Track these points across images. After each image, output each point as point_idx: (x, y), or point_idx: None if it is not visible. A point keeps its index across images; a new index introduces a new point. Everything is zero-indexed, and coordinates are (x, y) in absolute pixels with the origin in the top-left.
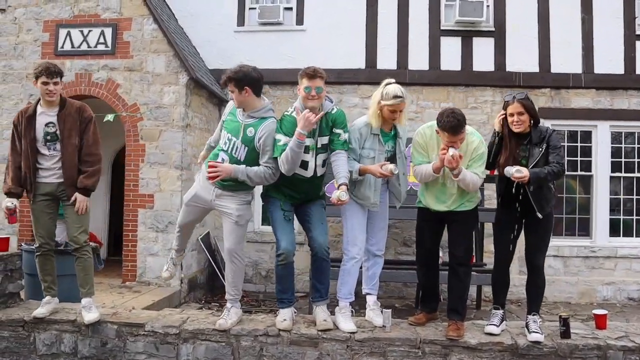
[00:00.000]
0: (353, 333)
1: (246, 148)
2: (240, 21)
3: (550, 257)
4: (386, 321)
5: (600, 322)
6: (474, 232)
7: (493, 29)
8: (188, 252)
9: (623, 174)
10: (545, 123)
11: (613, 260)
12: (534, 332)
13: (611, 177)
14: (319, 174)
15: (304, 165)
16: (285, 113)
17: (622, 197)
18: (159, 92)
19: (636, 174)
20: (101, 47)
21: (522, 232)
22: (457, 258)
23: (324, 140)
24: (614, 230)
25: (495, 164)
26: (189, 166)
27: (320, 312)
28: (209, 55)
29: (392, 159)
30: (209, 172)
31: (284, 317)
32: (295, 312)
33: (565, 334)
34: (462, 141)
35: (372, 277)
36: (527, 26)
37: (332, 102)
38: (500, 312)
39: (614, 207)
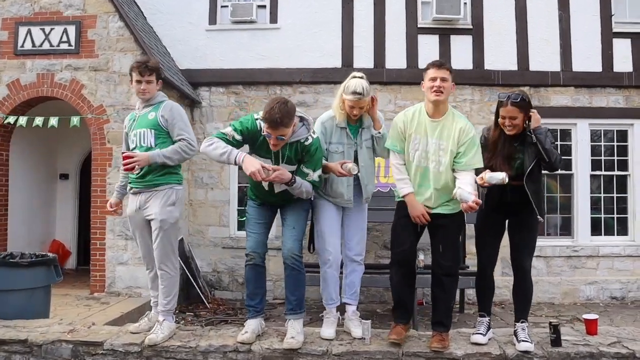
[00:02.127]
0: (330, 340)
1: (153, 131)
2: (212, 19)
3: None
4: (365, 333)
5: (590, 328)
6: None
7: (471, 26)
8: None
9: (603, 172)
10: None
11: (595, 259)
12: (523, 340)
13: (591, 176)
14: (276, 191)
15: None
16: (255, 116)
17: (602, 195)
18: (126, 93)
19: (616, 172)
20: (64, 46)
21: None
22: (444, 268)
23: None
24: (595, 229)
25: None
26: None
27: (290, 327)
28: (180, 54)
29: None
30: (125, 164)
31: (247, 328)
32: (262, 325)
33: (556, 342)
34: (447, 86)
35: (351, 285)
36: (505, 24)
37: (308, 131)
38: (487, 319)
39: (594, 205)
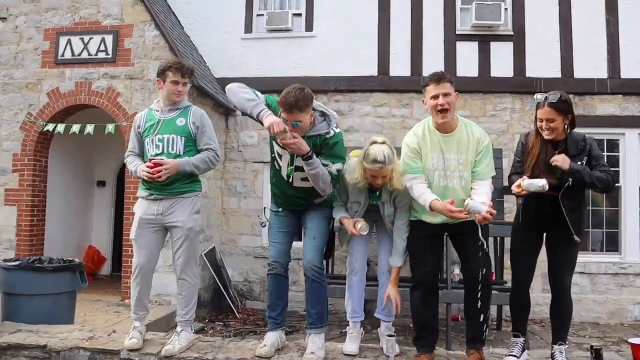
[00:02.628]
0: (352, 356)
1: (183, 139)
2: (248, 28)
3: (576, 274)
4: (389, 350)
5: (637, 353)
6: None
7: (512, 32)
8: None
9: None
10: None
11: None
12: None
13: None
14: (295, 185)
15: (280, 165)
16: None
17: None
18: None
19: None
20: (102, 55)
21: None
22: (474, 271)
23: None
24: None
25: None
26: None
27: (311, 342)
28: (216, 63)
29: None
30: (153, 172)
31: (266, 341)
32: (282, 338)
33: None
34: (451, 101)
35: (382, 299)
36: (547, 29)
37: (329, 126)
38: (521, 340)
39: None
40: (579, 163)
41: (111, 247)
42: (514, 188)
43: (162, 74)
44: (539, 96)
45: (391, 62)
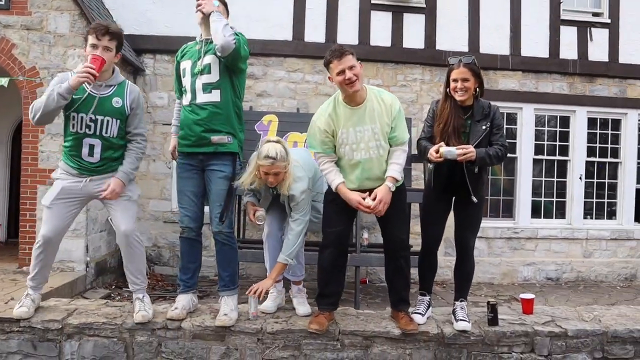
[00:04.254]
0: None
1: (118, 122)
2: None
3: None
4: (252, 308)
5: (527, 307)
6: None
7: (424, 5)
8: (96, 233)
9: (545, 157)
10: None
11: (534, 241)
12: (461, 320)
13: (534, 160)
14: (198, 102)
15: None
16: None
17: (543, 179)
18: (62, 55)
19: (557, 157)
20: None
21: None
22: (399, 242)
23: (206, 60)
24: (535, 212)
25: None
26: None
27: (224, 303)
28: (124, 19)
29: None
30: (93, 68)
31: (177, 304)
32: (194, 301)
33: (493, 321)
34: (357, 72)
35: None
36: (458, 4)
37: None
38: (427, 298)
39: (535, 189)
40: (483, 127)
41: (6, 211)
42: (432, 153)
43: (85, 39)
44: (452, 59)
45: (306, 27)
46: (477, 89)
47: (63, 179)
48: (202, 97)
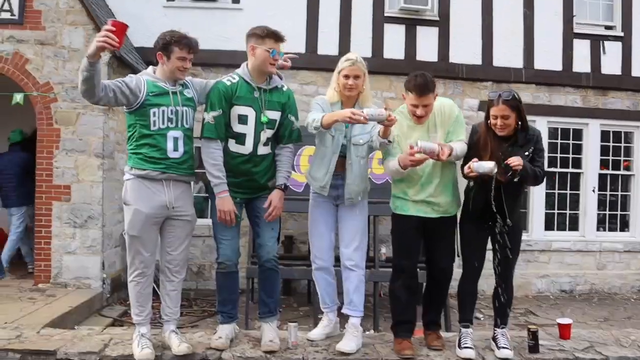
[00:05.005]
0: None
1: (192, 112)
2: None
3: (489, 251)
4: (292, 337)
5: (564, 332)
6: None
7: (437, 18)
8: (111, 248)
9: (559, 169)
10: None
11: (547, 253)
12: (503, 347)
13: (547, 172)
14: (259, 153)
15: (241, 139)
16: (221, 79)
17: (556, 192)
18: (76, 70)
19: (570, 170)
20: (5, 15)
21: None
22: (447, 268)
23: (273, 115)
24: (549, 224)
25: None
26: (112, 154)
27: (267, 330)
28: (135, 31)
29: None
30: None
31: (221, 334)
32: (237, 330)
33: (534, 348)
34: (428, 110)
35: (346, 293)
36: (471, 18)
37: (281, 79)
38: (471, 330)
39: (549, 201)
40: (526, 153)
41: None
42: (465, 169)
43: (165, 48)
44: (492, 94)
45: (319, 40)
46: (520, 122)
47: (139, 198)
48: (262, 150)
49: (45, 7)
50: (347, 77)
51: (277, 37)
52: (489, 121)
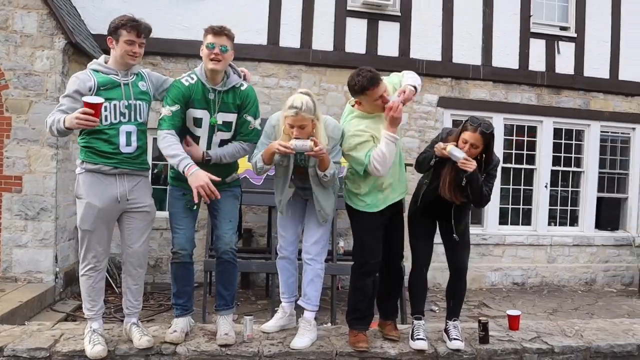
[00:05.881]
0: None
1: (147, 106)
2: None
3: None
4: (248, 330)
5: (513, 323)
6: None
7: (399, 13)
8: (65, 241)
9: (513, 165)
10: (445, 113)
11: (501, 247)
12: (454, 339)
13: (502, 168)
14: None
15: (195, 141)
16: (180, 79)
17: (511, 187)
18: (29, 57)
19: (524, 166)
20: None
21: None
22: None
23: (228, 117)
24: (502, 218)
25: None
26: (66, 144)
27: (223, 323)
28: (93, 18)
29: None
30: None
31: (175, 327)
32: (192, 323)
33: (484, 339)
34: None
35: (302, 286)
36: (432, 14)
37: (240, 77)
38: (423, 322)
39: (503, 197)
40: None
41: None
42: (439, 145)
43: (114, 32)
44: (474, 119)
45: (281, 32)
46: (482, 155)
47: (91, 192)
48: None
49: None
50: (291, 126)
51: (214, 32)
52: (457, 142)
